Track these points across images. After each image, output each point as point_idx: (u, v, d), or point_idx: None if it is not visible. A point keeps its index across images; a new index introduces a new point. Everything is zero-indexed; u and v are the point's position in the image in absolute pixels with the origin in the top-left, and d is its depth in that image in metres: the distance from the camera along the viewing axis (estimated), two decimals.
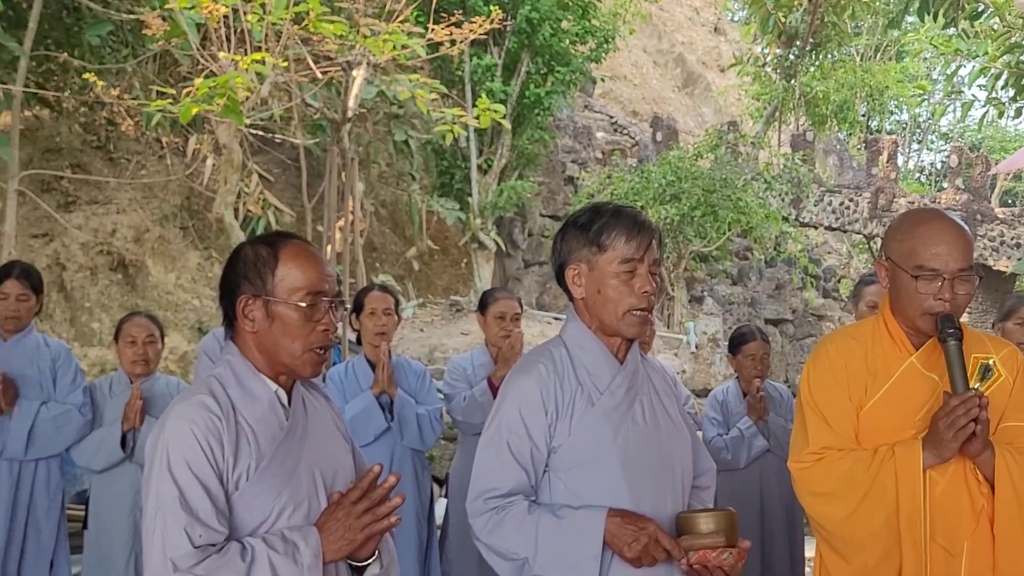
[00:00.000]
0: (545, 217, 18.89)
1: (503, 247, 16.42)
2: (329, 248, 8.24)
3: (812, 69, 28.02)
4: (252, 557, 2.25)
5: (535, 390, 2.77)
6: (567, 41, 15.65)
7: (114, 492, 5.12)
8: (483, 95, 11.04)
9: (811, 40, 27.18)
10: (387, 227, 17.00)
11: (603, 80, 19.59)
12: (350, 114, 7.86)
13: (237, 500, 2.33)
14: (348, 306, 5.25)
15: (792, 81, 27.58)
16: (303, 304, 2.43)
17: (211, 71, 8.95)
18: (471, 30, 9.15)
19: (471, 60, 15.00)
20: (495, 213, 15.53)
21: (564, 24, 15.74)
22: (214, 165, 13.95)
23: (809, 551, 5.50)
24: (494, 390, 5.18)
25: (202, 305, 13.53)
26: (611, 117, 25.14)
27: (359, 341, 5.42)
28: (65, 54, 11.38)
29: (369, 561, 2.45)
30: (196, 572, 2.21)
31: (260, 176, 14.19)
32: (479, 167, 15.41)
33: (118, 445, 5.03)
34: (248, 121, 8.62)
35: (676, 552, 2.65)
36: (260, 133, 11.57)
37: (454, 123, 9.13)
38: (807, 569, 5.83)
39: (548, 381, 2.78)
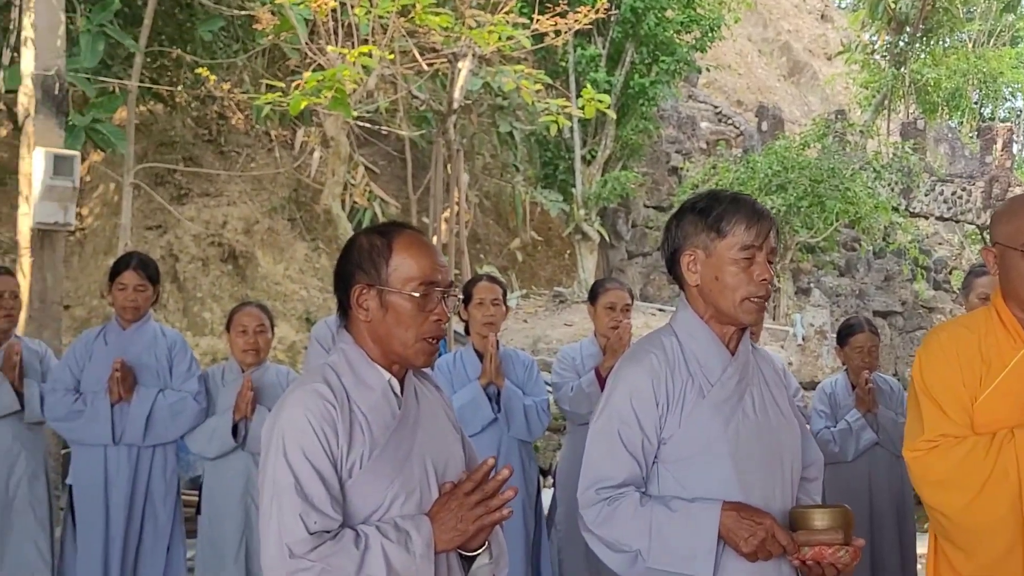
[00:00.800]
0: (649, 208, 18.76)
1: (607, 238, 16.35)
2: (435, 239, 8.29)
3: (923, 56, 27.38)
4: (366, 544, 2.27)
5: (646, 380, 2.74)
6: (672, 30, 15.51)
7: (226, 479, 5.21)
8: (588, 85, 11.00)
9: (922, 26, 26.55)
10: (491, 218, 17.06)
11: (708, 70, 19.37)
12: (456, 106, 7.89)
13: (350, 488, 2.35)
14: (461, 296, 5.27)
15: (902, 68, 26.97)
16: (416, 294, 2.43)
17: (319, 65, 9.07)
18: (576, 20, 9.11)
19: (575, 50, 14.95)
20: (599, 204, 15.47)
21: (669, 13, 15.60)
22: (321, 157, 14.15)
23: (921, 548, 5.37)
24: (602, 381, 5.14)
25: (309, 295, 13.73)
26: (715, 107, 24.87)
27: (467, 331, 5.43)
28: (178, 50, 11.65)
29: (479, 551, 2.45)
30: (310, 558, 2.23)
31: (366, 168, 14.34)
32: (583, 158, 15.36)
33: (230, 434, 5.12)
34: (355, 114, 8.70)
35: (792, 547, 2.61)
36: (366, 125, 11.69)
37: (559, 114, 9.12)
38: (919, 567, 5.70)
39: (659, 372, 2.75)
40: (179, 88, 13.49)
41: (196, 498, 5.43)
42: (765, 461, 2.75)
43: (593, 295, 5.49)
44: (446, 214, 8.17)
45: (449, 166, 8.58)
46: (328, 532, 2.27)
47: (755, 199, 2.82)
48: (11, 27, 8.22)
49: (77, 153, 7.99)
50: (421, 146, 14.78)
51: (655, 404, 2.73)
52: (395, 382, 2.49)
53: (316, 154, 13.90)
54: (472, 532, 2.36)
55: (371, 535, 2.28)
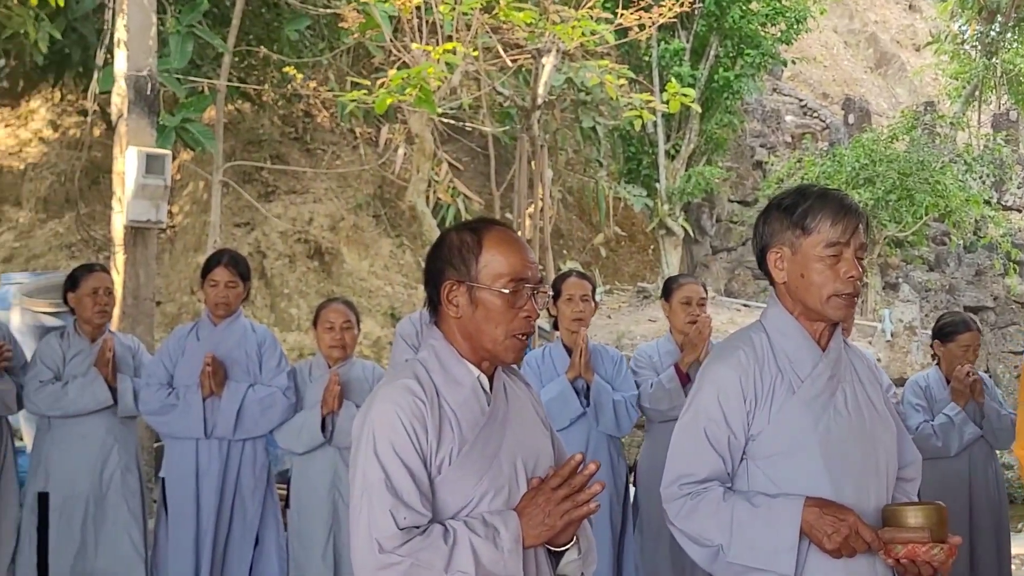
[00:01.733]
0: (733, 203, 18.58)
1: (691, 233, 16.23)
2: (519, 235, 8.28)
3: (1015, 45, 26.68)
4: (454, 540, 2.28)
5: (734, 377, 2.73)
6: (757, 23, 15.33)
7: (314, 473, 5.27)
8: (672, 80, 10.92)
9: (1014, 14, 25.88)
10: (574, 214, 17.03)
11: (793, 62, 19.08)
12: (539, 102, 7.88)
13: (440, 484, 2.36)
14: (551, 292, 5.27)
15: (993, 59, 26.33)
16: (506, 290, 2.43)
17: (403, 62, 9.12)
18: (660, 14, 9.06)
19: (659, 45, 14.86)
20: (683, 199, 15.36)
21: (754, 5, 15.42)
22: (405, 154, 14.22)
23: (1017, 548, 5.26)
24: (682, 377, 5.15)
25: (394, 291, 13.82)
26: (800, 100, 24.53)
27: (555, 327, 5.43)
28: (265, 49, 11.80)
29: (567, 546, 2.45)
30: (400, 553, 2.25)
31: (450, 165, 14.38)
32: (667, 153, 15.26)
33: (318, 429, 5.18)
34: (439, 111, 8.74)
35: (876, 544, 2.57)
36: (450, 122, 11.73)
37: (643, 109, 9.06)
38: (1012, 566, 5.58)
39: (748, 368, 2.73)
40: (266, 87, 13.66)
41: (285, 491, 5.50)
42: (859, 459, 2.71)
43: (667, 291, 5.46)
44: (530, 210, 8.16)
45: (533, 162, 8.57)
46: (417, 528, 2.29)
47: (844, 194, 2.78)
48: (105, 29, 8.37)
49: (168, 152, 8.13)
50: (504, 142, 14.79)
51: (743, 401, 2.71)
52: (484, 378, 2.49)
53: (400, 151, 13.96)
54: (560, 527, 2.36)
55: (459, 530, 2.29)
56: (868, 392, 2.81)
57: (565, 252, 15.89)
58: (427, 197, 13.26)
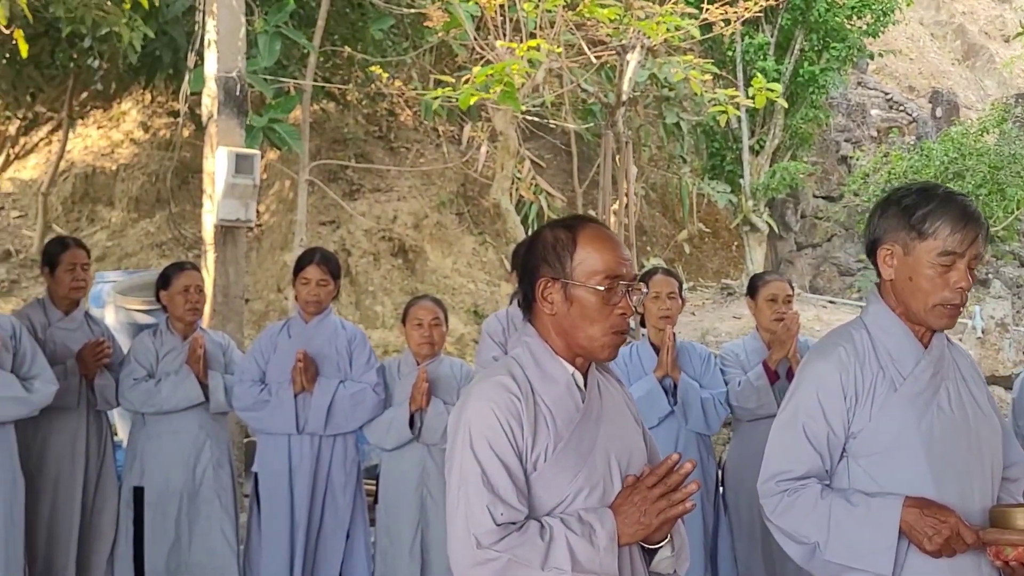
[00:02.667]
0: (818, 198, 18.34)
1: (775, 229, 16.05)
2: (613, 221, 8.24)
3: None
4: (551, 536, 2.28)
5: (834, 374, 2.70)
6: (843, 16, 15.10)
7: (402, 469, 5.31)
8: (757, 74, 10.79)
9: None
10: (657, 210, 16.94)
11: (880, 55, 18.76)
12: (624, 98, 7.83)
13: (535, 480, 2.36)
14: (645, 290, 5.24)
15: None
16: (601, 288, 2.42)
17: (487, 60, 9.14)
18: (746, 8, 8.95)
19: (743, 39, 14.71)
20: (767, 195, 15.19)
21: None
22: (488, 152, 14.24)
23: None
24: (770, 374, 5.10)
25: (477, 289, 13.86)
26: (886, 93, 24.11)
27: (642, 324, 5.40)
28: (349, 49, 11.90)
29: (661, 544, 2.44)
30: (497, 549, 2.25)
31: (532, 162, 14.38)
32: (751, 148, 15.10)
33: (407, 426, 5.21)
34: (523, 108, 8.74)
35: (978, 545, 2.52)
36: (533, 119, 11.73)
37: (728, 104, 8.98)
38: None
39: (848, 365, 2.70)
40: (350, 87, 13.77)
41: (375, 487, 5.54)
42: (963, 458, 2.67)
43: (752, 289, 5.40)
44: (614, 207, 8.12)
45: (618, 158, 8.52)
46: (514, 524, 2.29)
47: (968, 201, 2.70)
48: (195, 31, 8.50)
49: (258, 152, 8.23)
50: (586, 139, 14.76)
51: (843, 398, 2.68)
52: (579, 375, 2.49)
53: (483, 149, 13.98)
54: (655, 525, 2.35)
55: (556, 527, 2.29)
56: (972, 390, 2.76)
57: (649, 249, 15.81)
58: (510, 194, 13.28)
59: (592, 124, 13.47)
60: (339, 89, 13.55)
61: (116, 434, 5.87)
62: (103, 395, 5.39)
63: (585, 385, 2.49)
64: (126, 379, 5.39)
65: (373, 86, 13.57)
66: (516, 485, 2.32)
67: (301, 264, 5.39)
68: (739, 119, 14.28)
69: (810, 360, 2.80)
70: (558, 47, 8.53)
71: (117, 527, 5.45)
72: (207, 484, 5.41)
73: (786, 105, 12.18)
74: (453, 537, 2.33)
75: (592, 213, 14.43)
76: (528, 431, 2.36)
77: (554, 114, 13.02)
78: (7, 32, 7.60)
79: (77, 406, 5.30)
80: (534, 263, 2.50)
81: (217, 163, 7.72)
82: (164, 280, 5.51)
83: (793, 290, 5.45)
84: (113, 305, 8.88)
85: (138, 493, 5.41)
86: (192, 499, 5.38)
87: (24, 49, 7.86)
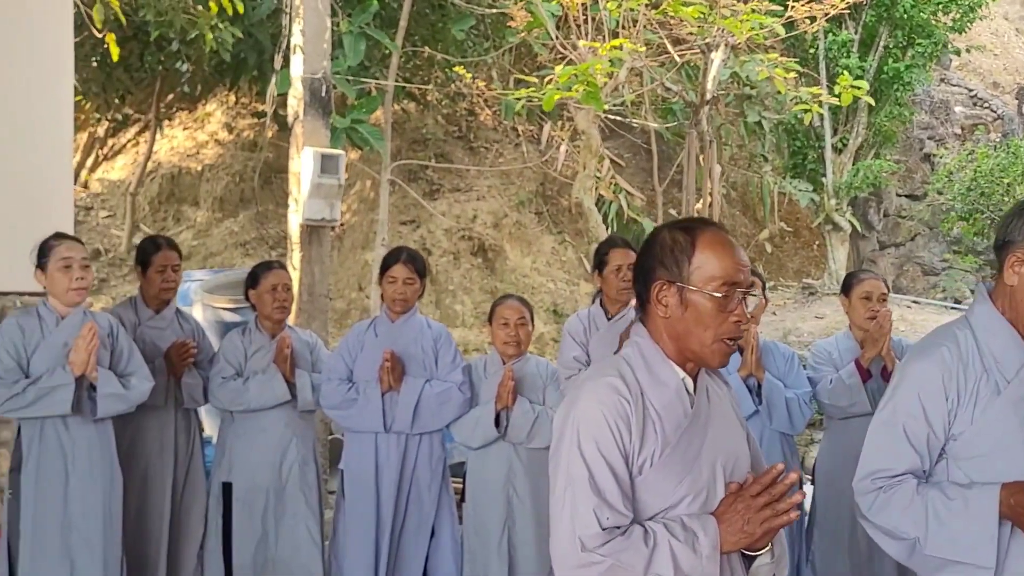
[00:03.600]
0: (901, 197, 18.00)
1: (858, 228, 15.80)
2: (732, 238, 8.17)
3: None
4: (654, 542, 2.26)
5: (936, 374, 2.65)
6: (928, 12, 14.82)
7: (489, 468, 5.31)
8: (842, 72, 10.64)
9: None
10: (737, 209, 16.77)
11: (967, 51, 18.39)
12: (708, 96, 7.75)
13: (640, 484, 2.33)
14: (762, 296, 5.19)
15: None
16: (718, 294, 2.38)
17: (568, 59, 9.13)
18: (832, 5, 8.83)
19: (826, 36, 14.51)
20: (850, 193, 14.95)
21: None
22: (568, 152, 14.24)
23: None
24: (862, 373, 5.04)
25: (557, 288, 13.84)
26: (970, 90, 23.62)
27: None
28: (429, 49, 11.97)
29: (761, 552, 2.41)
30: (601, 552, 2.24)
31: (612, 161, 14.33)
32: (833, 147, 14.87)
33: (492, 424, 5.22)
34: (605, 107, 8.71)
35: None
36: (615, 118, 11.68)
37: (813, 102, 8.86)
38: None
39: (951, 366, 2.64)
40: (431, 87, 13.85)
41: (462, 486, 5.56)
42: None
43: (847, 287, 5.32)
44: (698, 206, 8.05)
45: (701, 158, 8.44)
46: (618, 528, 2.27)
47: None
48: (281, 33, 8.60)
49: (342, 152, 8.30)
50: (666, 138, 14.66)
51: (944, 399, 2.63)
52: (688, 380, 2.46)
53: (563, 148, 13.99)
54: (759, 535, 2.32)
55: (659, 533, 2.27)
56: None
57: None
58: (592, 193, 13.25)
59: (673, 123, 13.39)
60: (419, 89, 13.63)
61: (204, 430, 5.95)
62: (190, 394, 5.45)
63: (695, 389, 2.46)
64: (215, 377, 5.46)
65: (453, 86, 13.65)
66: (622, 489, 2.30)
67: (388, 263, 5.42)
68: (821, 117, 14.08)
69: (912, 359, 2.75)
70: (641, 46, 8.48)
71: (207, 523, 5.52)
72: (293, 481, 5.44)
73: (872, 103, 11.94)
74: (557, 537, 2.31)
75: (673, 212, 14.37)
76: (636, 435, 2.33)
77: (633, 113, 12.95)
78: (100, 35, 7.77)
79: (165, 404, 5.36)
80: (650, 264, 2.46)
81: (303, 163, 7.80)
82: (253, 279, 5.56)
83: (888, 289, 5.37)
84: (200, 303, 9.02)
85: (227, 489, 5.47)
86: (278, 496, 5.42)
87: (115, 52, 8.03)
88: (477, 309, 13.13)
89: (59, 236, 4.79)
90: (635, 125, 13.91)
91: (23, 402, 4.57)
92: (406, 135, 15.05)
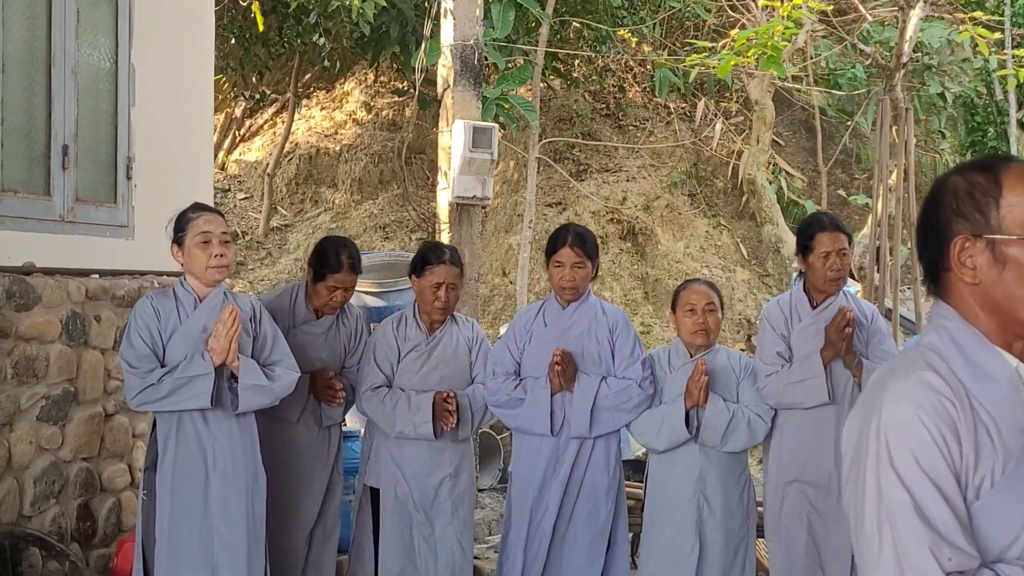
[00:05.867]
0: None
1: None
2: (878, 206, 7.46)
3: None
4: None
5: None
6: None
7: (675, 476, 4.72)
8: None
9: None
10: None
11: None
12: (904, 59, 6.97)
13: (978, 513, 1.74)
14: None
15: None
16: None
17: (720, 30, 8.47)
18: None
19: (1012, 2, 13.50)
20: None
21: None
22: (723, 130, 13.57)
23: None
24: None
25: (712, 275, 13.16)
26: None
27: None
28: (576, 21, 11.45)
29: None
30: None
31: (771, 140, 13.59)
32: (1019, 122, 13.84)
33: (682, 425, 4.62)
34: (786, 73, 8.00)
35: None
36: (789, 85, 10.93)
37: (1018, 67, 8.01)
38: None
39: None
40: (576, 63, 13.37)
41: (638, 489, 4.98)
42: None
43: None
44: (892, 179, 7.29)
45: (894, 129, 7.65)
46: (962, 574, 1.69)
47: None
48: (425, 2, 8.14)
49: (495, 125, 7.78)
50: (830, 114, 13.86)
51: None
52: (1022, 367, 1.84)
53: (718, 126, 13.31)
54: None
55: None
56: None
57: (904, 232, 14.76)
58: (766, 169, 12.55)
59: (837, 98, 12.63)
60: (565, 66, 13.13)
61: (345, 423, 5.48)
62: (329, 416, 5.01)
63: None
64: (364, 382, 4.95)
65: (601, 60, 13.10)
66: (958, 517, 1.71)
67: (553, 245, 4.86)
68: (1005, 92, 13.07)
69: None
70: (828, 4, 7.74)
71: (357, 524, 5.04)
72: (444, 494, 4.92)
73: None
74: None
75: (841, 193, 13.56)
76: (968, 446, 1.74)
77: (796, 90, 12.22)
78: (244, 4, 7.39)
79: (297, 422, 4.91)
80: (942, 220, 1.88)
81: (453, 136, 7.35)
82: (419, 265, 4.98)
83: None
84: None
85: (374, 494, 4.98)
86: (428, 507, 4.90)
87: (261, 22, 7.65)
88: (627, 296, 12.54)
89: (198, 208, 4.32)
90: (796, 102, 13.19)
91: (158, 394, 4.10)
92: (551, 113, 14.53)
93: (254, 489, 4.29)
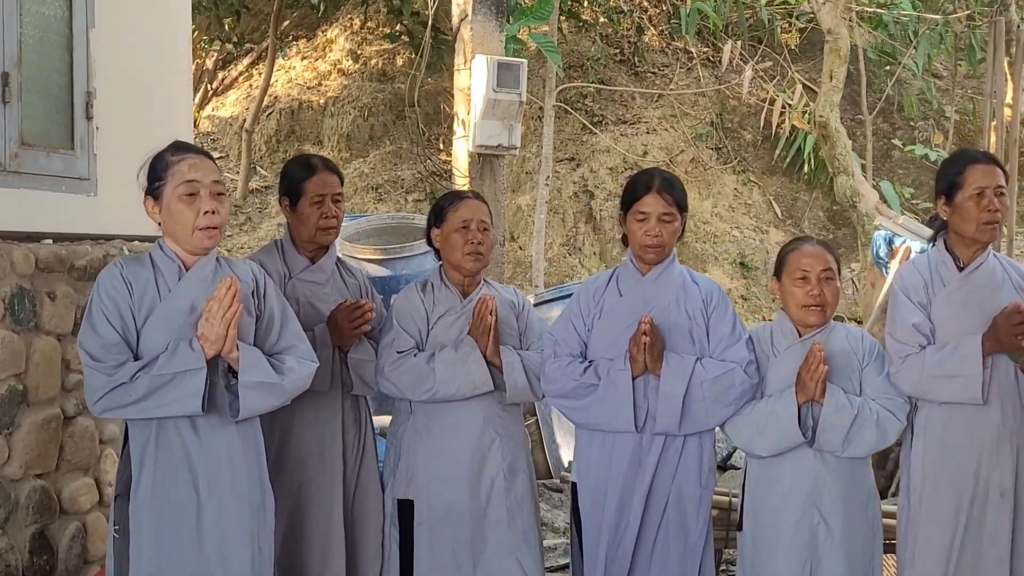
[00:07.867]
0: None
1: None
2: (991, 140, 6.72)
3: None
4: None
5: None
6: None
7: (783, 485, 3.94)
8: None
9: None
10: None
11: None
12: None
13: None
14: None
15: None
16: None
17: None
18: None
19: None
20: None
21: None
22: (752, 77, 12.85)
23: None
24: None
25: (743, 236, 12.45)
26: None
27: None
28: None
29: None
30: None
31: (804, 86, 12.86)
32: None
33: (793, 424, 3.83)
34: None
35: None
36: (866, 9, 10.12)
37: None
38: None
39: None
40: (587, 2, 12.66)
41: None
42: None
43: None
44: (1008, 109, 6.54)
45: (1009, 55, 6.87)
46: None
47: None
48: None
49: (523, 61, 6.95)
50: (872, 57, 13.13)
51: None
52: None
53: (748, 72, 12.55)
54: None
55: None
56: None
57: None
58: (780, 124, 11.85)
59: (880, 43, 11.91)
60: (575, 6, 12.40)
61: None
62: (360, 374, 4.18)
63: None
64: (387, 352, 4.13)
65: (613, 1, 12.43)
66: None
67: (635, 193, 4.06)
68: None
69: None
70: None
71: (383, 549, 4.24)
72: (496, 499, 4.15)
73: None
74: None
75: (897, 143, 12.82)
76: None
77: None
78: None
79: (329, 388, 4.09)
80: None
81: (474, 75, 6.55)
82: (438, 213, 4.26)
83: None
84: (340, 254, 7.87)
85: (404, 508, 4.18)
86: (477, 519, 4.13)
87: None
88: (777, 258, 11.87)
89: (180, 148, 3.43)
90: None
91: (131, 396, 3.19)
92: (561, 59, 13.83)
93: (260, 519, 3.41)
